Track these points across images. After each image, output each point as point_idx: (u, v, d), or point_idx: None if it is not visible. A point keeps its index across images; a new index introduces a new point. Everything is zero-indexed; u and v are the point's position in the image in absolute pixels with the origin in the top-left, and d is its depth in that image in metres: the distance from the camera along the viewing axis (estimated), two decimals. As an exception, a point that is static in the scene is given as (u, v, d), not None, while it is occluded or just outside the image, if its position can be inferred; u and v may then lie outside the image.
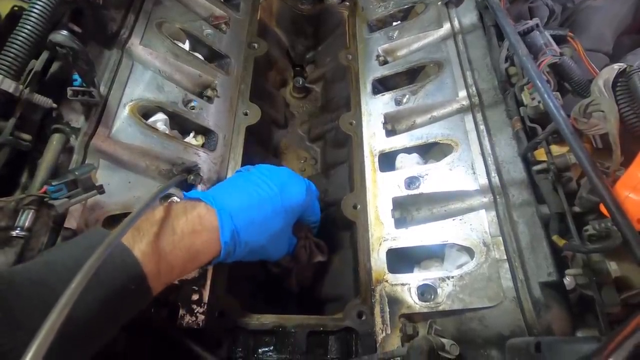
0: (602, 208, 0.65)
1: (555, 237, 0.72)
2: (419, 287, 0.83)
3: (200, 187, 0.91)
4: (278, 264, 0.92)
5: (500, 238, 0.82)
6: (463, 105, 1.02)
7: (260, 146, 1.18)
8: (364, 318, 0.82)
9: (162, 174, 0.89)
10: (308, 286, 0.97)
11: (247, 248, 0.74)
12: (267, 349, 0.79)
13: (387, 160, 1.04)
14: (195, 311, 0.77)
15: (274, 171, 0.84)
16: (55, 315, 0.41)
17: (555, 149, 0.80)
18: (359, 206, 0.97)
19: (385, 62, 1.22)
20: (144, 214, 0.65)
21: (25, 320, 0.46)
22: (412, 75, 1.22)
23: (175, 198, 0.85)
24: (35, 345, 0.38)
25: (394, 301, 0.83)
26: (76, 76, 0.77)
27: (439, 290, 0.81)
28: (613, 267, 0.66)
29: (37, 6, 0.71)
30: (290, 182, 0.83)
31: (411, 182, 0.95)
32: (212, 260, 0.72)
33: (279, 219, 0.78)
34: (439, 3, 1.21)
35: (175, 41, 1.07)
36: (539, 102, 0.82)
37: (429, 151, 1.07)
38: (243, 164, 0.99)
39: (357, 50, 1.27)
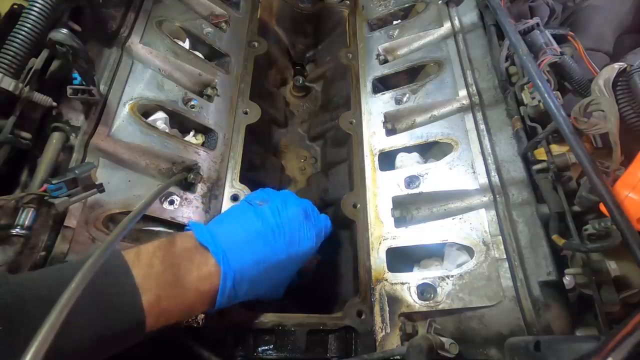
0: (602, 207, 0.65)
1: (554, 237, 0.72)
2: (418, 286, 0.83)
3: (200, 186, 0.91)
4: None
5: (500, 237, 0.82)
6: (463, 104, 1.02)
7: (260, 145, 1.18)
8: (363, 317, 0.82)
9: (162, 173, 0.89)
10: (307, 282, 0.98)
11: (239, 300, 0.74)
12: (266, 348, 0.79)
13: (387, 160, 1.04)
14: (195, 310, 0.77)
15: (285, 216, 0.77)
16: (49, 325, 0.42)
17: (555, 149, 0.80)
18: (358, 205, 0.97)
19: (385, 61, 1.22)
20: (159, 246, 0.65)
21: (29, 341, 0.46)
22: (412, 74, 1.22)
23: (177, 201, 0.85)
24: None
25: (394, 300, 0.83)
26: (76, 75, 0.77)
27: (438, 289, 0.81)
28: (612, 266, 0.66)
29: (36, 4, 0.71)
30: (302, 230, 0.78)
31: (411, 181, 0.95)
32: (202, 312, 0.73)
33: (281, 271, 0.78)
34: (440, 2, 1.20)
35: (175, 40, 1.07)
36: (539, 101, 0.82)
37: (429, 150, 1.07)
38: (243, 163, 0.99)
39: (357, 49, 1.27)
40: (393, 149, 1.03)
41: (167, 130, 0.94)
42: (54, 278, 0.55)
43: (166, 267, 0.64)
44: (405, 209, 0.93)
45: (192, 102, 1.01)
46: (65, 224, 0.72)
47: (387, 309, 0.82)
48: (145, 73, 0.96)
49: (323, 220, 0.87)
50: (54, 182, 0.66)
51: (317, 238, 0.82)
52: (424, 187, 0.93)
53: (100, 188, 0.71)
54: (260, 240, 0.74)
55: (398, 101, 1.10)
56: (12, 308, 0.49)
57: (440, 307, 0.80)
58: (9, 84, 0.67)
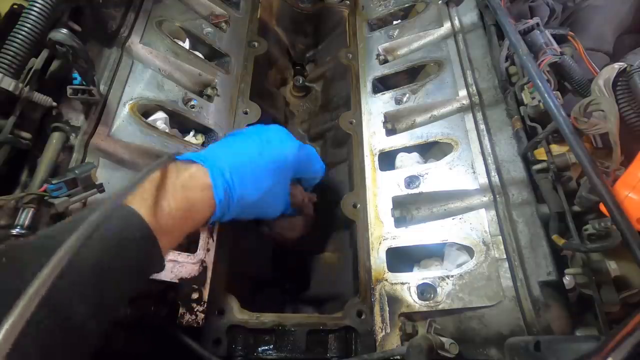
0: (602, 207, 0.65)
1: (554, 237, 0.72)
2: (418, 286, 0.83)
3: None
4: (269, 224, 0.95)
5: (500, 237, 0.82)
6: (463, 104, 1.02)
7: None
8: (363, 317, 0.82)
9: (162, 173, 0.89)
10: (294, 246, 0.99)
11: (241, 204, 0.75)
12: (266, 348, 0.79)
13: (387, 160, 1.04)
14: (195, 310, 0.77)
15: (263, 128, 0.86)
16: (56, 259, 0.41)
17: (555, 149, 0.80)
18: (358, 205, 0.97)
19: (385, 61, 1.22)
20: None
21: (32, 265, 0.46)
22: (412, 74, 1.22)
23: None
24: (36, 285, 0.38)
25: (394, 300, 0.83)
26: (76, 75, 0.76)
27: (438, 289, 0.81)
28: (612, 266, 0.66)
29: (36, 4, 0.71)
30: (281, 137, 0.84)
31: (411, 181, 0.95)
32: (210, 219, 0.73)
33: (270, 174, 0.79)
34: (440, 2, 1.20)
35: (175, 40, 1.07)
36: (539, 101, 0.82)
37: (429, 150, 1.07)
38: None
39: (357, 49, 1.27)
40: (393, 149, 1.03)
41: (167, 130, 0.94)
42: (52, 224, 0.57)
43: (150, 182, 0.63)
44: (405, 209, 0.93)
45: (192, 102, 1.01)
46: (65, 224, 0.72)
47: (387, 309, 0.82)
48: (145, 73, 0.96)
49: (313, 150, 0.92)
50: (54, 182, 0.66)
51: (300, 147, 0.86)
52: (424, 187, 0.93)
53: (100, 188, 0.71)
54: (241, 143, 0.80)
55: (398, 101, 1.10)
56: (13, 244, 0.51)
57: (440, 307, 0.80)
58: (9, 84, 0.67)
